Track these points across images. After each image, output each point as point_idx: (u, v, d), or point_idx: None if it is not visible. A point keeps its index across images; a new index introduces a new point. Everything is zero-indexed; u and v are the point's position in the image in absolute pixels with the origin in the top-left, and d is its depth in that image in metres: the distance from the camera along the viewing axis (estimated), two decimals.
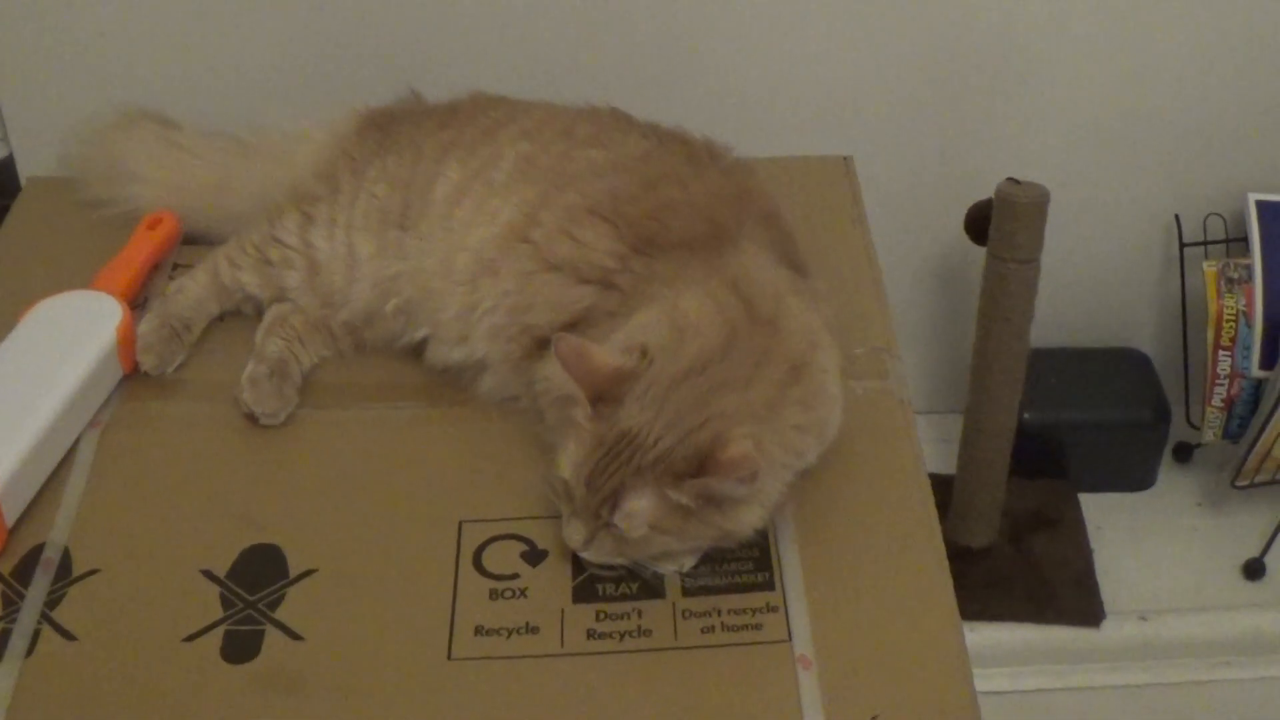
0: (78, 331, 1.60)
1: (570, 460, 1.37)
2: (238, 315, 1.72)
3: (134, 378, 1.63)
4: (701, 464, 1.32)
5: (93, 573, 1.42)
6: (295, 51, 2.17)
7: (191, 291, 1.70)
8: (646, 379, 1.37)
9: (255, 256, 1.71)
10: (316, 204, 1.71)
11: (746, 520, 1.38)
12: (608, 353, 1.39)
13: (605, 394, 1.37)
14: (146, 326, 1.64)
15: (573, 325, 1.49)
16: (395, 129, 1.77)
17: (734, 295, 1.45)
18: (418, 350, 1.65)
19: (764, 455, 1.34)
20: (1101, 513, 2.47)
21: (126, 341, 1.62)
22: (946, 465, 2.35)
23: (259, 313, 1.70)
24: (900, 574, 1.41)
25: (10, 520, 1.46)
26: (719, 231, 1.55)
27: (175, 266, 1.79)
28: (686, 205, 1.58)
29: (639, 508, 1.34)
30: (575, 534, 1.38)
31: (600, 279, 1.53)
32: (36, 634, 1.36)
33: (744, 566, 1.42)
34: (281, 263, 1.70)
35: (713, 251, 1.52)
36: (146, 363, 1.62)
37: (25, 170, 2.20)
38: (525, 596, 1.40)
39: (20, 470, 1.46)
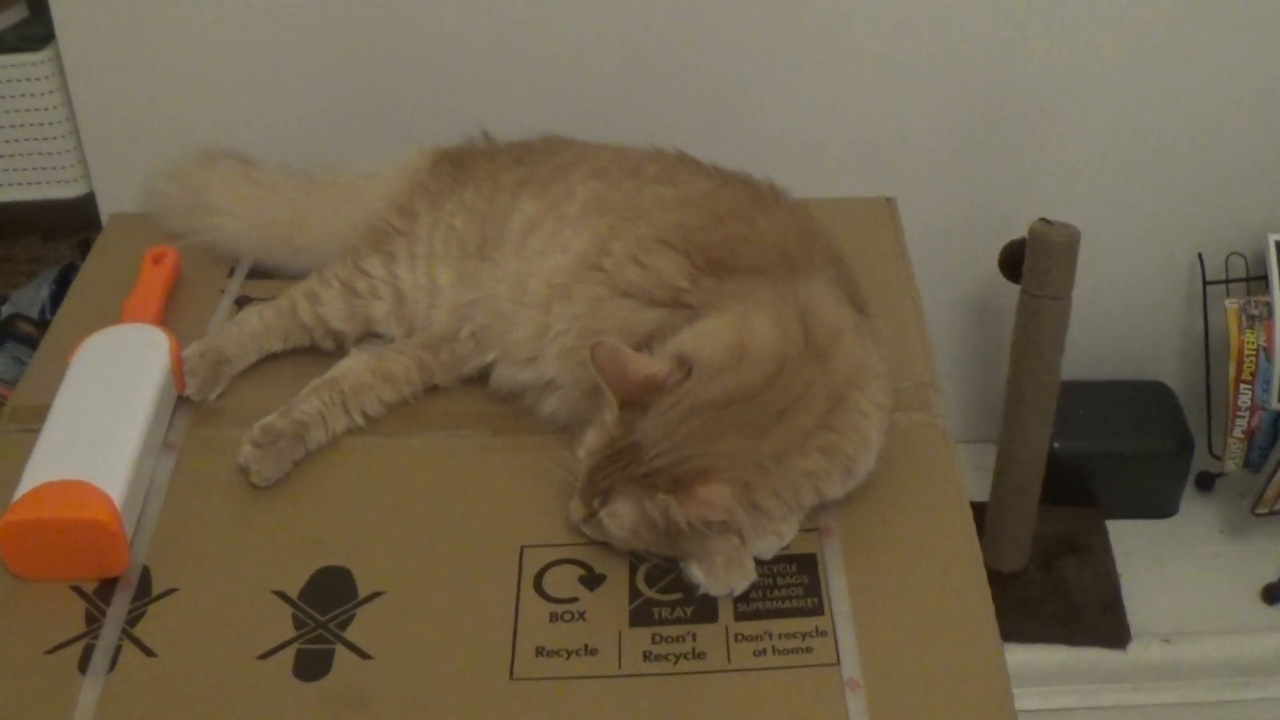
0: (135, 360, 1.59)
1: (586, 448, 1.41)
2: (313, 351, 1.69)
3: (202, 407, 1.61)
4: (678, 491, 1.32)
5: (171, 592, 1.41)
6: (366, 94, 2.17)
7: (249, 326, 1.68)
8: (675, 395, 1.36)
9: (341, 289, 1.68)
10: (395, 239, 1.69)
11: (720, 550, 1.38)
12: (643, 361, 1.38)
13: (635, 400, 1.37)
14: (190, 353, 1.63)
15: (644, 344, 1.45)
16: (470, 164, 1.76)
17: (799, 326, 1.43)
18: (483, 375, 1.63)
19: (748, 504, 1.35)
20: (1127, 539, 2.46)
21: (178, 365, 1.61)
22: (980, 493, 2.32)
23: (339, 347, 1.68)
24: (943, 599, 1.39)
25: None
26: (790, 262, 1.54)
27: (240, 299, 1.78)
28: (756, 238, 1.57)
29: (622, 511, 1.37)
30: (574, 511, 1.43)
31: (671, 299, 1.52)
32: (118, 650, 1.35)
33: (794, 592, 1.40)
34: (369, 294, 1.68)
35: (784, 278, 1.51)
36: (190, 387, 1.61)
37: (104, 206, 2.22)
38: (584, 619, 1.38)
39: (130, 491, 1.45)
